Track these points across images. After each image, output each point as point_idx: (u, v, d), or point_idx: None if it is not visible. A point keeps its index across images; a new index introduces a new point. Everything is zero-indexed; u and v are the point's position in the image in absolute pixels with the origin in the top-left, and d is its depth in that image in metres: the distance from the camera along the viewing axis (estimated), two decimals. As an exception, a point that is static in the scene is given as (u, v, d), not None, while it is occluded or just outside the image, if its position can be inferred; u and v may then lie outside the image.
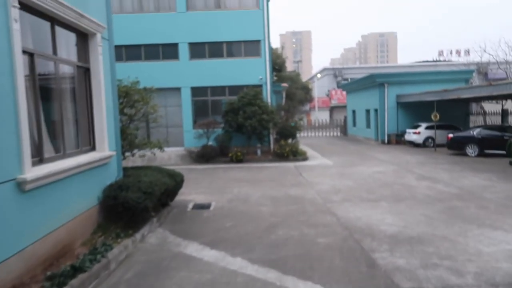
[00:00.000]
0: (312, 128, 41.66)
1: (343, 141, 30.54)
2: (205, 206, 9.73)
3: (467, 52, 52.71)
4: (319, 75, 60.91)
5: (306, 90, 53.10)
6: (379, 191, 11.19)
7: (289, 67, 70.08)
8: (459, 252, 6.18)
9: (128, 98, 9.92)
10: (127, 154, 10.03)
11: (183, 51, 19.44)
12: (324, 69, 60.84)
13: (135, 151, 10.05)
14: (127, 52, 19.56)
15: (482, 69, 37.86)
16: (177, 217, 8.69)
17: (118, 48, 19.51)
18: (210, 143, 18.87)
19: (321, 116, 50.32)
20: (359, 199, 10.22)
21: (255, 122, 17.65)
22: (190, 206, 9.81)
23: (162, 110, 20.08)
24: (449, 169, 14.93)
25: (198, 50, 19.65)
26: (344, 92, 43.62)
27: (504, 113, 25.99)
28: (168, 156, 19.03)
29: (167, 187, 8.08)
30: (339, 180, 12.98)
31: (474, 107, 29.16)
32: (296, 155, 18.53)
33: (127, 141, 9.50)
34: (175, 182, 8.81)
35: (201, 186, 12.44)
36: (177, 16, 19.36)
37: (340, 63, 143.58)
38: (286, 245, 6.67)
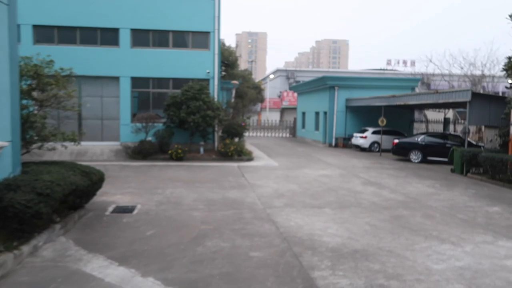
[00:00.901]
0: (262, 128, 41.06)
1: (291, 142, 30.11)
2: (127, 210, 8.44)
3: (413, 63, 54.89)
4: (272, 76, 60.68)
5: (258, 90, 52.57)
6: (323, 196, 10.49)
7: (243, 66, 69.30)
8: (407, 270, 5.48)
9: (39, 80, 8.37)
10: (34, 146, 8.47)
11: (125, 37, 17.77)
12: (277, 71, 60.70)
13: (47, 143, 8.48)
14: (60, 34, 17.54)
15: (426, 80, 39.27)
16: (90, 223, 7.34)
17: (49, 28, 17.61)
18: (149, 138, 17.39)
19: (272, 117, 49.94)
20: (302, 204, 9.43)
21: (199, 118, 16.44)
22: (110, 209, 8.47)
23: (97, 101, 18.39)
24: (395, 175, 14.69)
25: (142, 37, 18.07)
26: (296, 94, 43.52)
27: (446, 122, 26.79)
28: (101, 151, 17.31)
29: (76, 187, 6.72)
30: (283, 183, 12.17)
31: (417, 115, 29.93)
32: (241, 155, 17.58)
33: (33, 130, 7.97)
34: (90, 181, 7.45)
35: (130, 186, 11.07)
36: (119, -2, 17.69)
37: (294, 66, 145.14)
38: (213, 261, 5.62)
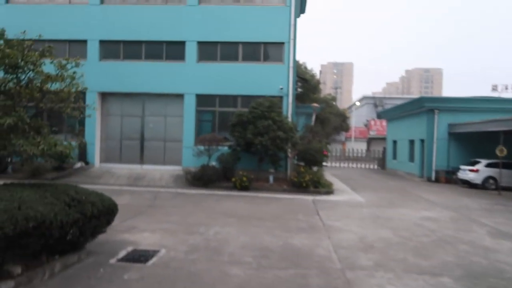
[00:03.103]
0: (346, 159, 37.21)
1: (380, 175, 25.98)
2: (144, 257, 5.97)
3: (526, 87, 46.67)
4: (358, 103, 56.57)
5: (342, 118, 48.96)
6: (435, 252, 6.97)
7: (326, 92, 66.04)
8: None
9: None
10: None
11: (191, 51, 16.23)
12: (364, 98, 56.47)
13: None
14: (125, 49, 16.60)
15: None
16: (74, 279, 4.95)
17: (115, 43, 16.68)
18: (213, 163, 15.23)
19: (358, 146, 45.63)
20: (404, 266, 6.09)
21: (267, 140, 13.86)
22: (122, 253, 6.08)
23: (160, 121, 16.91)
24: (535, 224, 10.34)
25: (209, 50, 16.37)
26: (384, 123, 39.12)
27: None
28: (160, 176, 15.54)
29: (50, 223, 4.40)
30: (371, 227, 8.84)
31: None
32: (318, 186, 14.48)
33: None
34: (82, 214, 5.13)
35: (170, 220, 8.71)
36: (187, 10, 16.31)
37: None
38: None
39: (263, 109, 14.26)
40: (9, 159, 6.06)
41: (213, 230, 7.86)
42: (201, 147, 15.20)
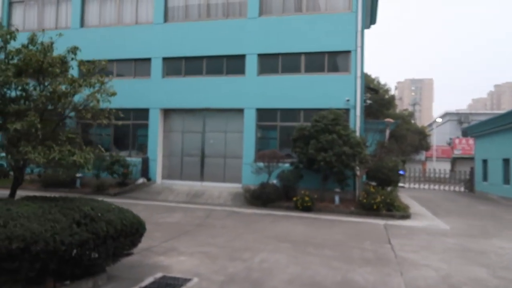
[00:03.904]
0: (427, 180, 33.81)
1: (467, 198, 22.78)
2: (172, 286, 5.08)
3: None
4: (439, 120, 51.97)
5: (422, 136, 45.16)
6: (553, 304, 5.12)
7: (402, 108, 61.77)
8: None
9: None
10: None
11: (251, 64, 15.59)
12: (446, 114, 51.78)
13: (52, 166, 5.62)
14: (187, 65, 16.51)
15: None
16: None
17: (177, 60, 16.67)
18: (274, 181, 14.22)
19: (440, 167, 41.46)
20: (508, 323, 4.43)
21: (331, 156, 12.50)
22: (148, 280, 5.25)
23: (221, 137, 16.39)
24: None
25: (269, 63, 15.60)
26: (471, 141, 35.06)
27: None
28: (219, 194, 14.88)
29: (46, 244, 3.70)
30: (458, 264, 7.05)
31: None
32: (391, 209, 12.68)
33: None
34: (94, 234, 4.39)
35: (213, 243, 7.79)
36: (247, 22, 15.81)
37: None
38: None
39: (327, 122, 12.98)
40: (23, 169, 5.53)
41: (259, 257, 6.76)
42: (261, 164, 14.30)
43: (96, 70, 5.83)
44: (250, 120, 15.52)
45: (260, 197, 13.59)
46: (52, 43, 5.54)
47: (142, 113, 16.76)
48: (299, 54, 15.26)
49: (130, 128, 17.02)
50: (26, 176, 7.83)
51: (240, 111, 15.74)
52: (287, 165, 14.32)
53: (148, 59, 16.73)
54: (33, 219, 3.78)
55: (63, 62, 5.52)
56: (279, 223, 10.46)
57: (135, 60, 17.01)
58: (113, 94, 5.71)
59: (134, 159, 16.10)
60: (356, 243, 8.32)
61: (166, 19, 16.74)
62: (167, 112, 16.84)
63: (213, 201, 14.13)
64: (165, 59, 16.54)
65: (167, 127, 16.92)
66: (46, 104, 5.20)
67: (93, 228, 4.42)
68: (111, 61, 17.02)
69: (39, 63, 5.13)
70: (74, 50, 6.03)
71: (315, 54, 15.14)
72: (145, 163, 16.30)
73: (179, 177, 16.55)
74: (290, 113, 15.39)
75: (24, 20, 18.64)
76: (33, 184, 15.36)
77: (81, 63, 6.01)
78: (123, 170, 15.48)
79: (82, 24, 17.73)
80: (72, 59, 5.98)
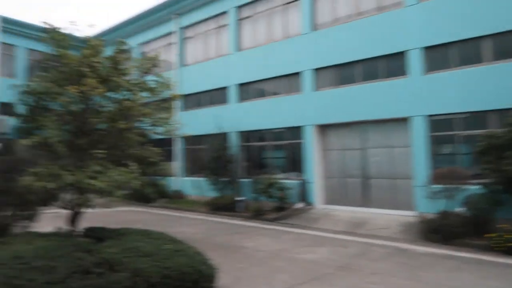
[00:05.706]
0: None
1: None
2: None
3: None
4: None
5: None
6: None
7: None
8: None
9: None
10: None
11: (414, 61, 12.61)
12: None
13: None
14: (338, 74, 14.65)
15: None
16: None
17: (327, 70, 14.90)
18: (459, 209, 10.99)
19: None
20: None
21: (544, 178, 8.66)
22: None
23: (384, 153, 13.90)
24: None
25: (439, 56, 12.30)
26: None
27: None
28: (386, 223, 12.48)
29: None
30: None
31: None
32: None
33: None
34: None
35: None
36: (405, 12, 12.92)
37: None
38: None
39: (533, 128, 9.15)
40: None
41: None
42: (437, 186, 11.27)
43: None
44: (418, 131, 12.56)
45: (438, 231, 10.62)
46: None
47: (296, 131, 15.80)
48: (480, 38, 11.52)
49: (287, 149, 16.32)
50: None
51: (403, 120, 12.97)
52: (476, 187, 10.87)
53: (297, 74, 15.69)
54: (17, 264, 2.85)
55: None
56: (463, 274, 7.57)
57: (284, 76, 16.26)
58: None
59: (291, 182, 15.20)
60: None
61: (315, 27, 15.37)
62: (322, 128, 15.36)
63: (377, 233, 11.84)
64: (316, 70, 15.15)
65: (323, 144, 15.44)
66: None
67: (107, 280, 3.24)
68: (262, 80, 16.89)
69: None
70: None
71: (506, 34, 11.14)
72: (302, 185, 15.21)
73: (340, 202, 14.79)
74: (475, 118, 11.75)
75: (195, 53, 20.19)
76: (205, 207, 16.40)
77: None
78: (279, 194, 14.79)
79: (239, 48, 18.00)
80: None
